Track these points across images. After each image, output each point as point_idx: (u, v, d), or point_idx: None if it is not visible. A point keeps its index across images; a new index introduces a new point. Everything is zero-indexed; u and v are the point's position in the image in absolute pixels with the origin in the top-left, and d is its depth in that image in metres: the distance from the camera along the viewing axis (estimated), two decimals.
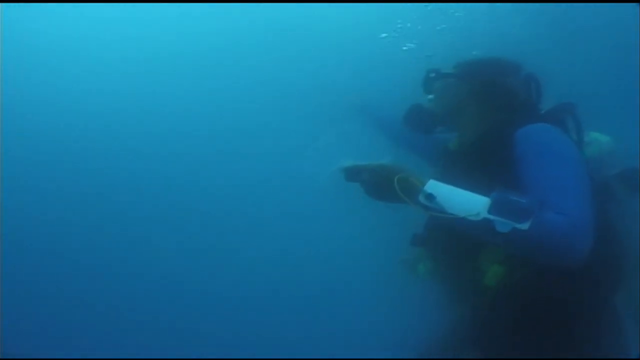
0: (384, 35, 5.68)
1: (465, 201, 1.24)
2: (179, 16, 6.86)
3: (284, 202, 7.51)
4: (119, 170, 7.58)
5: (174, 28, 7.01)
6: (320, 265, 7.33)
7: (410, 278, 1.75)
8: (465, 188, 1.29)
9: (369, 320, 6.77)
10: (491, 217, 1.20)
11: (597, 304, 1.48)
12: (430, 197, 1.25)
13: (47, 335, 6.41)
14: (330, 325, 7.20)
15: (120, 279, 7.04)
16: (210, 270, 7.46)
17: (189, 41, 7.15)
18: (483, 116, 1.59)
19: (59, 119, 7.54)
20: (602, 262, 1.39)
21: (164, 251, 7.43)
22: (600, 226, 1.36)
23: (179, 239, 7.50)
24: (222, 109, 7.74)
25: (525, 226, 1.18)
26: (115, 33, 7.08)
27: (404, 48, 5.50)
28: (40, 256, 7.02)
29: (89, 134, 7.54)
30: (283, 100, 7.51)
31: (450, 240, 1.47)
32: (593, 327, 1.47)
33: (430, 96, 1.71)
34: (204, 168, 7.89)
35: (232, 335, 7.18)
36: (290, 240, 7.27)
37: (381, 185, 1.33)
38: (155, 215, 7.50)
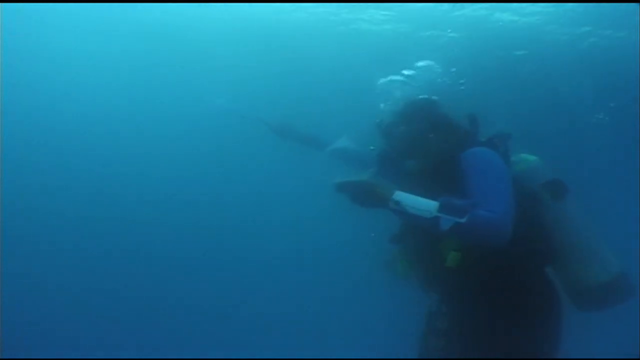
0: None
1: (421, 204, 1.79)
2: (177, 17, 6.80)
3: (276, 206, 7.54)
4: (115, 170, 7.58)
5: (172, 29, 6.94)
6: (310, 267, 7.38)
7: (392, 276, 2.19)
8: (425, 196, 1.82)
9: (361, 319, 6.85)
10: (439, 214, 1.75)
11: (533, 272, 2.01)
12: (397, 202, 1.80)
13: (47, 336, 6.40)
14: (324, 324, 7.24)
15: (118, 279, 7.03)
16: (205, 270, 7.47)
17: (188, 42, 7.13)
18: (435, 147, 2.11)
19: (54, 116, 7.56)
20: (532, 245, 1.95)
21: (161, 251, 7.44)
22: (529, 221, 1.96)
23: (176, 240, 7.51)
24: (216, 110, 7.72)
25: (463, 220, 1.73)
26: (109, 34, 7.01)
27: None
28: (39, 257, 7.03)
29: (85, 133, 7.54)
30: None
31: (418, 235, 2.02)
32: (533, 289, 1.99)
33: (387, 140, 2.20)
34: (201, 169, 7.90)
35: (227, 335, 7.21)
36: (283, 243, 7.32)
37: (363, 195, 1.87)
38: (152, 216, 7.51)
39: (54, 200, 7.33)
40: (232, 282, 7.45)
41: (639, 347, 5.37)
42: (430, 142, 2.12)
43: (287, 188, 7.45)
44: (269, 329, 7.14)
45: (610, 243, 2.13)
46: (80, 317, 6.80)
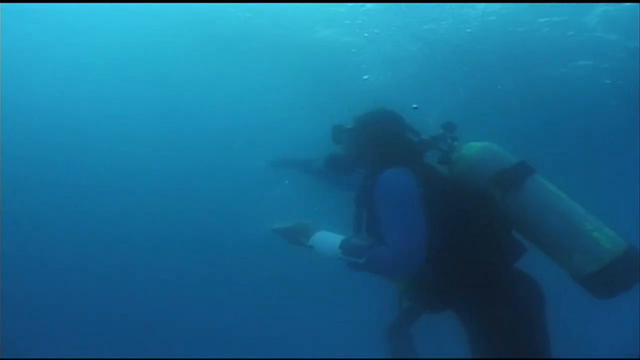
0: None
1: (329, 248, 1.94)
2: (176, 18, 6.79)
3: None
4: (114, 170, 7.59)
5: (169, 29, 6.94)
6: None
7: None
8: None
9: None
10: (342, 257, 1.88)
11: (491, 278, 1.89)
12: (310, 247, 2.00)
13: (47, 336, 6.41)
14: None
15: (118, 279, 7.04)
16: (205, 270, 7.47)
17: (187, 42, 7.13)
18: (372, 161, 2.05)
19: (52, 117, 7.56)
20: (480, 251, 1.85)
21: (159, 252, 7.45)
22: (474, 226, 1.85)
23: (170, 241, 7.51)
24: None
25: (361, 260, 1.83)
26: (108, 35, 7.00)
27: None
28: (40, 258, 7.04)
29: (84, 132, 7.55)
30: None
31: None
32: (494, 296, 1.88)
33: (340, 145, 2.20)
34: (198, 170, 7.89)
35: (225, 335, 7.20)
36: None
37: (292, 239, 2.09)
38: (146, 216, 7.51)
39: (54, 199, 7.35)
40: (230, 280, 7.47)
41: (639, 347, 5.38)
42: (370, 155, 2.09)
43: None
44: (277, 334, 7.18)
45: (602, 218, 1.87)
46: (80, 318, 6.82)
